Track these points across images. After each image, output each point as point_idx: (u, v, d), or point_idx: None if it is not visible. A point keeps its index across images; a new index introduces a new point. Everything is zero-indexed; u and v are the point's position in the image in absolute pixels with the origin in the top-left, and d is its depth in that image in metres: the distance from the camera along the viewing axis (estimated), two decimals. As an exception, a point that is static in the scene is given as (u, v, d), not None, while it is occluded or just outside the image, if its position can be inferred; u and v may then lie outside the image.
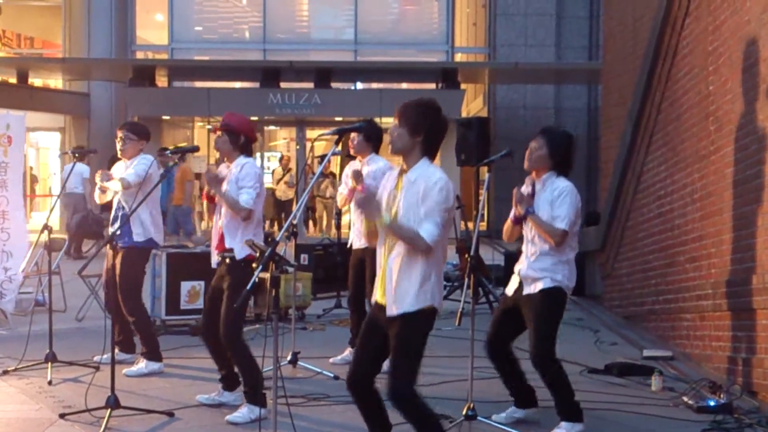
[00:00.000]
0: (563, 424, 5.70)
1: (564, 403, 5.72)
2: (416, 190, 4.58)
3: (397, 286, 4.59)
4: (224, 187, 6.23)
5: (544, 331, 5.72)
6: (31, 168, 27.57)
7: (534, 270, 5.74)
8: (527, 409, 6.03)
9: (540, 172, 5.82)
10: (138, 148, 7.56)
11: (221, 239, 6.27)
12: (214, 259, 6.38)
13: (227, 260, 6.20)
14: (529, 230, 5.83)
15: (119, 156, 7.67)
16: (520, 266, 5.87)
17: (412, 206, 4.59)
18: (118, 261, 7.26)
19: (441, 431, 4.72)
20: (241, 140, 6.28)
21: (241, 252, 6.11)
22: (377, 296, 4.75)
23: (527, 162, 5.84)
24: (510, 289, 5.94)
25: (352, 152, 7.58)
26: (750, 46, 6.77)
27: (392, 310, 4.59)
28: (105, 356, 7.25)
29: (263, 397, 5.98)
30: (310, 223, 22.68)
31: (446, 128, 4.79)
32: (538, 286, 5.71)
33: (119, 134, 7.57)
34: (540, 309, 5.70)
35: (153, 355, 7.47)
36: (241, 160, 6.28)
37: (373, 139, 7.48)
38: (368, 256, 7.30)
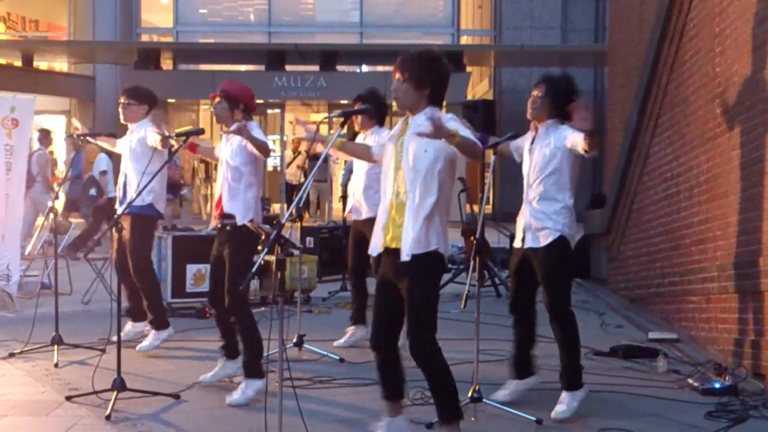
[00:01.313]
0: (564, 396, 5.74)
1: (569, 367, 5.76)
2: (425, 127, 4.46)
3: (405, 231, 4.60)
4: (228, 152, 6.26)
5: (557, 286, 5.75)
6: (52, 152, 27.47)
7: (536, 218, 5.73)
8: (527, 378, 6.04)
9: (542, 119, 5.81)
10: (141, 112, 7.50)
11: (220, 202, 6.29)
12: (213, 223, 6.39)
13: (227, 227, 6.21)
14: (532, 171, 5.80)
15: (123, 122, 7.66)
16: (523, 216, 5.86)
17: (420, 144, 4.54)
18: (126, 227, 7.28)
19: (457, 396, 4.75)
20: (240, 107, 6.27)
21: (243, 217, 6.12)
22: (383, 241, 4.74)
23: (530, 111, 5.83)
24: (517, 241, 5.94)
25: (356, 128, 7.61)
26: (757, 27, 6.74)
27: (403, 256, 4.60)
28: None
29: (262, 369, 6.02)
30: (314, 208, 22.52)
31: (449, 75, 4.73)
32: (541, 240, 5.71)
33: (121, 100, 7.56)
34: (548, 264, 5.72)
35: (160, 323, 7.49)
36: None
37: (376, 114, 7.48)
38: (368, 228, 7.33)
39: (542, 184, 5.73)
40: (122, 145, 7.66)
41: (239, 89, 6.27)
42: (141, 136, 7.35)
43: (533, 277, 5.83)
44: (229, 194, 6.23)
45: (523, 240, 5.85)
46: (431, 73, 4.62)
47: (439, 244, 4.64)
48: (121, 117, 7.59)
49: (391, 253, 4.70)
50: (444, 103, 4.81)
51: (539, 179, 5.74)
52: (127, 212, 7.24)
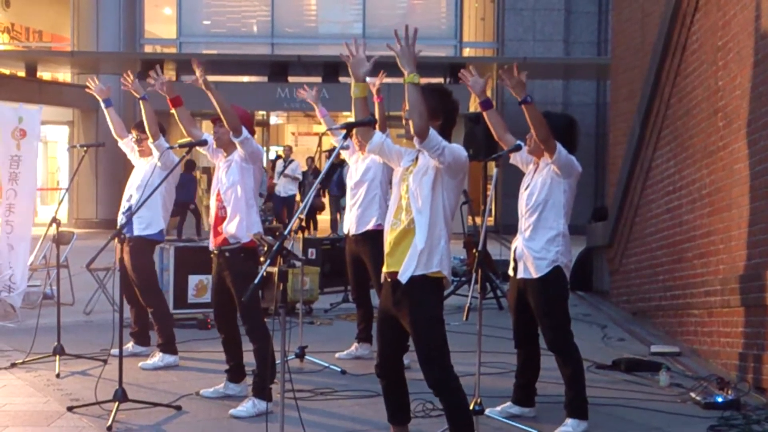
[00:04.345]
0: (570, 421, 5.67)
1: (575, 399, 5.70)
2: (428, 159, 4.69)
3: (408, 253, 4.66)
4: (223, 175, 6.26)
5: (554, 319, 5.72)
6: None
7: (529, 249, 5.70)
8: (524, 407, 6.03)
9: (540, 155, 5.81)
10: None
11: (219, 224, 6.29)
12: (211, 246, 6.39)
13: (226, 253, 6.22)
14: (526, 201, 5.80)
15: (139, 157, 7.76)
16: (516, 244, 5.84)
17: (423, 170, 4.68)
18: (126, 254, 7.30)
19: (472, 428, 4.75)
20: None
21: (246, 236, 6.14)
22: (385, 268, 4.80)
23: (528, 148, 5.85)
24: (512, 270, 5.92)
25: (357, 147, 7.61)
26: (759, 41, 6.75)
27: (402, 277, 4.66)
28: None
29: (270, 392, 5.99)
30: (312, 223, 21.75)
31: (458, 111, 4.93)
32: (534, 272, 5.68)
33: (134, 134, 7.65)
34: (543, 298, 5.69)
35: (168, 347, 7.48)
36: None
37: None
38: (360, 246, 7.36)
39: (535, 213, 5.72)
40: (138, 170, 7.71)
41: (240, 114, 6.30)
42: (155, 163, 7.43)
43: (533, 312, 5.81)
44: (229, 216, 6.23)
45: (515, 270, 5.84)
46: (444, 104, 4.83)
47: (441, 267, 4.69)
48: (137, 152, 7.70)
49: (391, 280, 4.75)
50: None
51: (532, 209, 5.74)
52: (136, 236, 7.30)
